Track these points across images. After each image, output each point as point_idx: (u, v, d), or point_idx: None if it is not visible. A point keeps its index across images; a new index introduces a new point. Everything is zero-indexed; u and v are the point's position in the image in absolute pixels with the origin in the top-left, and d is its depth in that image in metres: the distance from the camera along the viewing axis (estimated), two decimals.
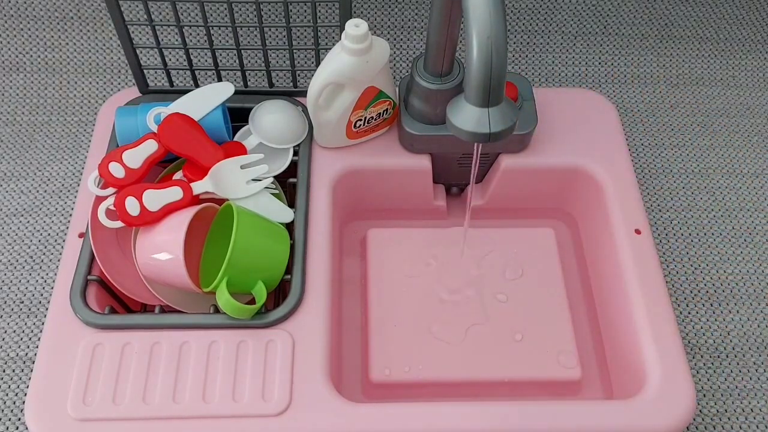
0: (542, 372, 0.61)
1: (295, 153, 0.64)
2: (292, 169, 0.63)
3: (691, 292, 0.72)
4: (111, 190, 0.57)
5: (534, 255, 0.69)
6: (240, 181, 0.59)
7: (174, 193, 0.56)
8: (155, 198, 0.56)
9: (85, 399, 0.51)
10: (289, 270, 0.58)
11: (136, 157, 0.57)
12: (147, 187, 0.56)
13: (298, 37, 0.84)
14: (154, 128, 0.58)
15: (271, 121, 0.63)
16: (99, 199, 0.57)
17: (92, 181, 0.57)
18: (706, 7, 0.90)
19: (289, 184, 0.63)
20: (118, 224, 0.55)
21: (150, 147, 0.58)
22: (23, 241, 0.71)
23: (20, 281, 0.69)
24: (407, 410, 0.52)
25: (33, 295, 0.68)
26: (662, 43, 0.90)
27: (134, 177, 0.57)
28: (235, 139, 0.65)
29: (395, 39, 0.85)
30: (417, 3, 0.85)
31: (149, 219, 0.55)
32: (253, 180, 0.60)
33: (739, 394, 0.66)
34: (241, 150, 0.62)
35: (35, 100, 0.81)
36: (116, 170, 0.57)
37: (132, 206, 0.55)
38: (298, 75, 0.68)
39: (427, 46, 0.58)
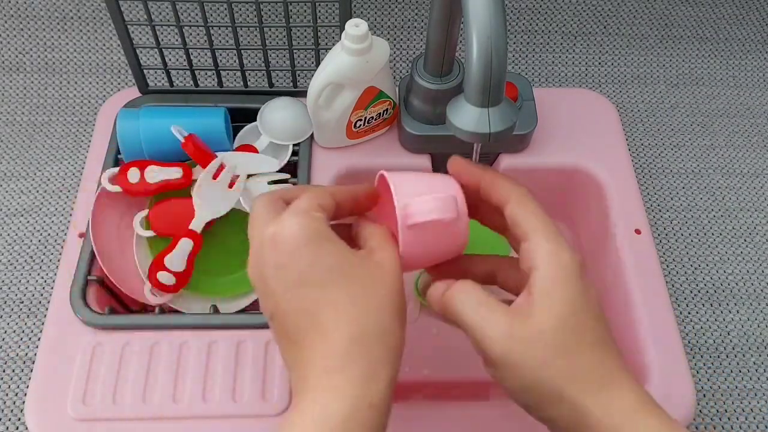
0: None
1: (295, 153, 0.64)
2: (292, 169, 0.63)
3: (691, 292, 0.72)
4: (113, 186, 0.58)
5: None
6: (218, 194, 0.59)
7: None
8: None
9: (85, 399, 0.51)
10: None
11: (158, 175, 0.58)
12: None
13: (298, 37, 0.84)
14: (181, 139, 0.59)
15: (280, 118, 0.63)
16: (101, 196, 0.58)
17: (106, 177, 0.58)
18: (706, 7, 0.90)
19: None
20: (150, 233, 0.57)
21: (175, 173, 0.59)
22: (23, 241, 0.71)
23: (20, 281, 0.69)
24: (407, 410, 0.52)
25: (33, 295, 0.68)
26: (662, 43, 0.90)
27: (143, 189, 0.58)
28: (237, 138, 0.65)
29: (395, 39, 0.85)
30: (417, 3, 0.85)
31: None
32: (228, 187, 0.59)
33: (739, 394, 0.66)
34: (251, 152, 0.62)
35: (35, 100, 0.81)
36: (133, 176, 0.58)
37: None
38: (298, 75, 0.68)
39: (427, 46, 0.58)
